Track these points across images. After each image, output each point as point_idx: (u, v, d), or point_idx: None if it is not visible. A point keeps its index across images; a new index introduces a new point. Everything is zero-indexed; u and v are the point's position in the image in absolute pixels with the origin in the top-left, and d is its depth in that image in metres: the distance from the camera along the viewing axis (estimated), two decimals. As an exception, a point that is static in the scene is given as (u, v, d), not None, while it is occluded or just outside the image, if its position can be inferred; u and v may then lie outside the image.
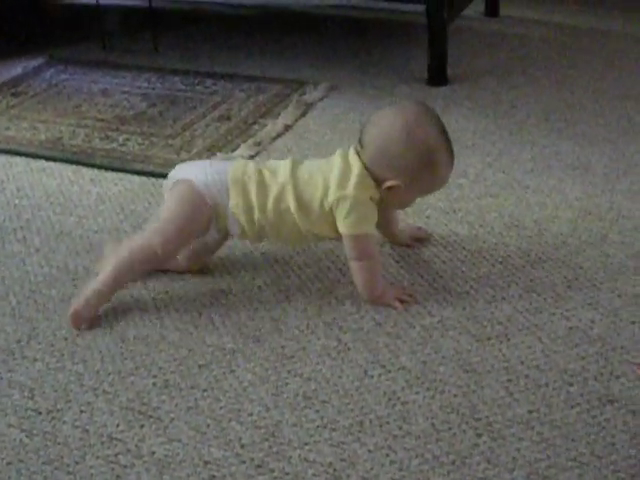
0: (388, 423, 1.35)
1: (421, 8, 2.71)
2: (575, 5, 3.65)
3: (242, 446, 1.32)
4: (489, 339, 1.53)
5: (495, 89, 2.72)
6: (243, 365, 1.49)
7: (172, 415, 1.39)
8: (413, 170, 1.59)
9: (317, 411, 1.38)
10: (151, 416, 1.39)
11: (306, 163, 1.67)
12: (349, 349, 1.52)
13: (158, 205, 2.00)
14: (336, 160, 1.63)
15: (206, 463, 1.29)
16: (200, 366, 1.50)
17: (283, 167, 1.65)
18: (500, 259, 1.76)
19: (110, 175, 2.21)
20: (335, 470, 1.26)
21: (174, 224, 1.64)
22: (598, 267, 1.72)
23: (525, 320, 1.57)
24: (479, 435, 1.32)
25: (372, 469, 1.26)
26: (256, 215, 1.63)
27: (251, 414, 1.38)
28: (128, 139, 2.42)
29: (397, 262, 1.77)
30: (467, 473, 1.25)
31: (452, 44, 2.81)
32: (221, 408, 1.40)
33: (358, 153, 1.62)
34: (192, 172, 1.68)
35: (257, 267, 1.75)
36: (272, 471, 1.27)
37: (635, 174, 2.10)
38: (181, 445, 1.33)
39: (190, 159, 2.25)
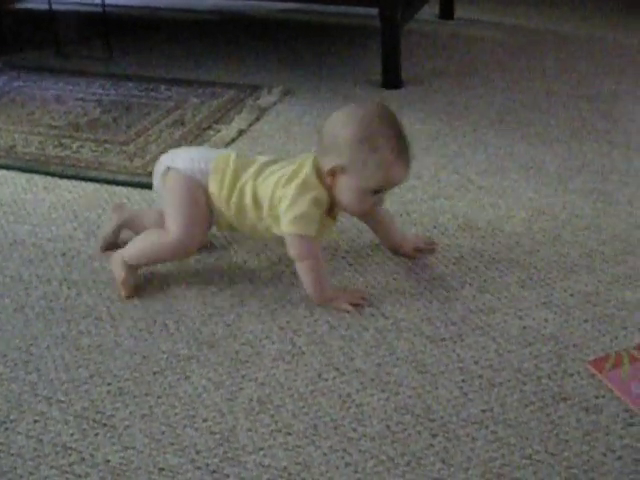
0: (343, 426, 1.35)
1: (374, 11, 2.72)
2: (529, 8, 3.69)
3: (197, 452, 1.31)
4: (443, 340, 1.54)
5: (449, 91, 2.73)
6: (197, 371, 1.49)
7: (127, 423, 1.38)
8: (351, 146, 1.56)
9: (272, 415, 1.38)
10: (105, 424, 1.38)
11: (275, 164, 1.69)
12: (303, 353, 1.52)
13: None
14: (297, 161, 1.65)
15: (161, 470, 1.28)
16: (154, 373, 1.49)
17: (255, 164, 1.69)
18: (454, 260, 1.77)
19: (64, 183, 2.20)
20: (290, 474, 1.26)
21: (183, 214, 1.67)
22: (551, 266, 1.74)
23: (479, 320, 1.58)
24: (434, 435, 1.32)
25: (327, 472, 1.26)
26: (223, 206, 1.68)
27: (206, 420, 1.38)
28: (82, 146, 2.41)
29: (350, 265, 1.77)
30: (422, 473, 1.25)
31: (406, 47, 2.82)
32: (176, 414, 1.39)
33: (317, 156, 1.63)
34: (180, 161, 1.72)
35: (210, 272, 1.75)
36: (227, 476, 1.26)
37: (587, 173, 2.12)
38: (136, 452, 1.32)
39: (144, 165, 2.24)
